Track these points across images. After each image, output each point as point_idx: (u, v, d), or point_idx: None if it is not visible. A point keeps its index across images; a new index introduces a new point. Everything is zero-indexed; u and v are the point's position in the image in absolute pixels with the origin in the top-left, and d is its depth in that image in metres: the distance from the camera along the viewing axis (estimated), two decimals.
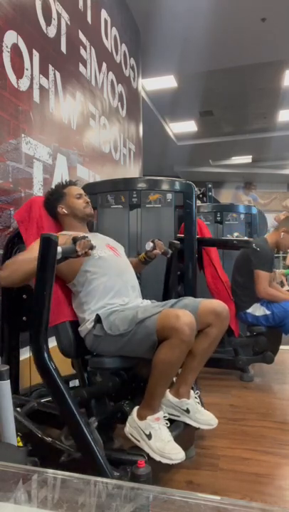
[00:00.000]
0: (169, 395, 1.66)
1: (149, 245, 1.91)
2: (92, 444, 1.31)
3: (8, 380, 1.21)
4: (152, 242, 1.92)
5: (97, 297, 1.65)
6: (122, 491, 0.63)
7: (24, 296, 1.87)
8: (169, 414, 1.59)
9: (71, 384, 1.97)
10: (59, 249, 1.34)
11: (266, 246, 2.84)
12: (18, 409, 1.58)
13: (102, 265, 1.68)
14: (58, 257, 1.35)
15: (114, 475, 1.32)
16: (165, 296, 2.09)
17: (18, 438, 1.57)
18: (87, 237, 1.46)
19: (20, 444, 1.56)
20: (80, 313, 1.66)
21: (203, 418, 1.65)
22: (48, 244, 1.32)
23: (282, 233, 2.87)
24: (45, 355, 1.34)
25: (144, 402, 1.51)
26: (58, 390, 1.34)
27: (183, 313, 1.43)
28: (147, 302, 1.76)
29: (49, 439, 1.48)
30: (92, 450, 1.31)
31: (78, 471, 1.35)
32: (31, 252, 1.53)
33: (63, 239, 1.69)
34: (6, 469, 0.68)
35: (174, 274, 2.17)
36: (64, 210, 1.83)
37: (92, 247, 1.47)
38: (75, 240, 1.43)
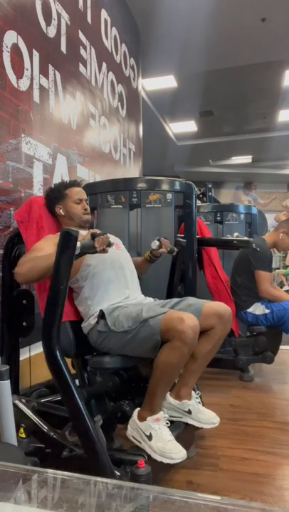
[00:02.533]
0: (169, 398, 1.65)
1: (155, 244, 1.86)
2: (97, 441, 1.32)
3: (8, 380, 1.21)
4: (158, 240, 1.87)
5: (101, 290, 1.66)
6: (122, 491, 0.63)
7: (24, 301, 1.88)
8: (170, 416, 1.59)
9: None
10: (78, 244, 1.34)
11: (265, 246, 2.85)
12: (23, 399, 1.58)
13: (104, 258, 1.68)
14: (77, 252, 1.34)
15: (115, 473, 1.32)
16: (168, 295, 2.08)
17: (21, 429, 1.57)
18: (105, 233, 1.46)
19: (23, 435, 1.56)
20: (83, 309, 1.67)
21: (206, 417, 1.65)
22: (67, 239, 1.31)
23: (281, 234, 2.88)
24: (57, 350, 1.36)
25: (145, 403, 1.51)
26: (67, 385, 1.36)
27: (187, 316, 1.43)
28: (150, 300, 1.77)
29: (52, 433, 1.48)
30: (97, 447, 1.32)
31: (79, 468, 1.36)
32: (40, 251, 1.56)
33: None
34: (6, 469, 0.68)
35: (179, 272, 2.15)
36: (61, 211, 1.82)
37: (110, 244, 1.47)
38: (93, 235, 1.42)
